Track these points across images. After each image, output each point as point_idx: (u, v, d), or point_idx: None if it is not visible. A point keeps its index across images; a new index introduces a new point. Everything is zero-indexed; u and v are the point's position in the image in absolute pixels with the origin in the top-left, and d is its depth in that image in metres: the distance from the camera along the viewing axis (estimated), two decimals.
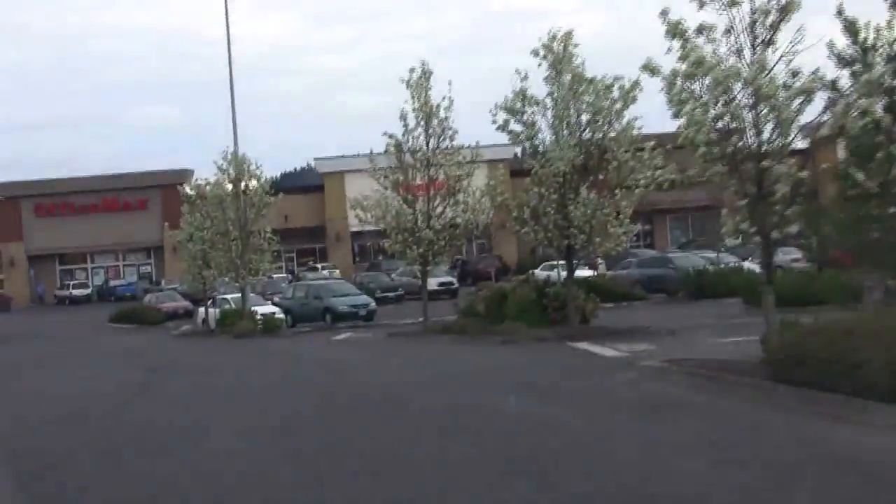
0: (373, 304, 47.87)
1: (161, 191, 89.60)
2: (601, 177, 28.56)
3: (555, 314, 29.89)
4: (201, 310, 49.20)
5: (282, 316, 45.74)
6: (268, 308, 47.20)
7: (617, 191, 28.37)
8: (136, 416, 18.47)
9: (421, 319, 35.71)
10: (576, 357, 23.82)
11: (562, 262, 31.01)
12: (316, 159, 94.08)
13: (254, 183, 42.87)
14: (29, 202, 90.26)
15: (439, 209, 34.08)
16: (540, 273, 64.72)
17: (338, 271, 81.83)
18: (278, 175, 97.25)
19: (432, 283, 64.78)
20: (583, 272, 59.15)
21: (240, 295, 46.35)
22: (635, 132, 27.84)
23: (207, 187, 43.85)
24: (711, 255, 51.81)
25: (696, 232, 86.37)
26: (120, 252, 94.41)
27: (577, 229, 28.53)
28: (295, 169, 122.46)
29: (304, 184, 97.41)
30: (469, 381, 20.56)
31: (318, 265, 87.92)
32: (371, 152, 35.27)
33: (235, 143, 43.39)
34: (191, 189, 44.50)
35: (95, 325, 59.91)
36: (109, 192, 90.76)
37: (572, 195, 28.52)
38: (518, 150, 40.65)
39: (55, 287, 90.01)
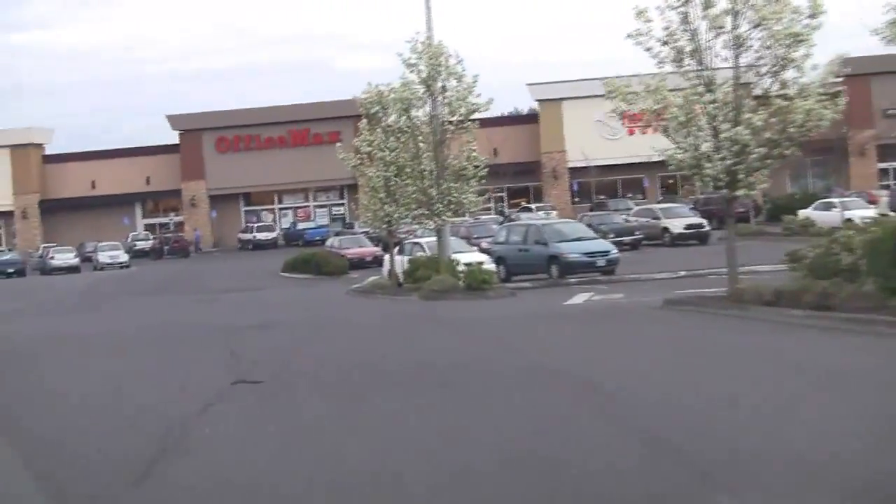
0: (615, 252, 35.33)
1: (355, 122, 78.68)
2: None
3: None
4: (387, 257, 37.67)
5: (492, 266, 33.70)
6: (474, 255, 35.22)
7: None
8: None
9: (681, 274, 27.58)
10: None
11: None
12: (529, 84, 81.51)
13: (453, 84, 30.64)
14: (210, 136, 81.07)
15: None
16: (816, 213, 51.29)
17: (555, 213, 69.71)
18: None
19: (677, 225, 52.18)
20: (860, 211, 45.63)
21: (436, 239, 34.69)
22: None
23: (391, 94, 31.93)
24: None
25: None
26: (310, 191, 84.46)
27: None
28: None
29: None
30: None
31: (533, 206, 75.95)
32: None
33: (429, 26, 31.15)
34: (367, 95, 32.69)
35: (267, 274, 49.55)
36: (298, 123, 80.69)
37: None
38: None
39: (238, 230, 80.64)
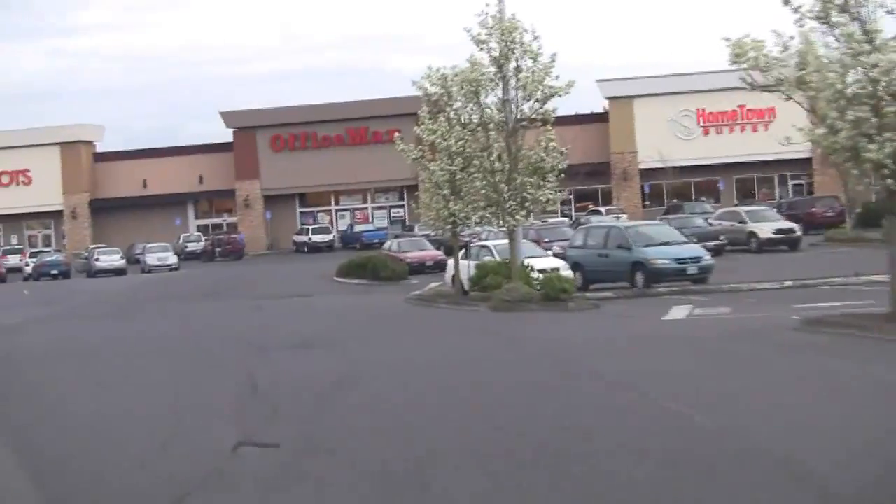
0: (707, 258, 31.29)
1: (415, 120, 75.14)
2: None
3: None
4: (450, 262, 33.89)
5: (569, 273, 29.80)
6: (548, 261, 31.34)
7: None
8: None
9: (787, 284, 25.61)
10: None
11: None
12: (599, 81, 77.27)
13: (528, 64, 26.74)
14: (265, 134, 77.77)
15: None
16: None
17: (625, 216, 65.49)
18: None
19: (765, 230, 47.83)
20: None
21: (506, 242, 30.92)
22: None
23: (457, 77, 28.12)
24: None
25: None
26: (368, 192, 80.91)
27: None
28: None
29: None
30: None
31: (602, 209, 71.76)
32: None
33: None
34: (429, 80, 28.92)
35: (320, 278, 46.02)
36: (356, 121, 77.13)
37: None
38: None
39: (293, 232, 77.21)
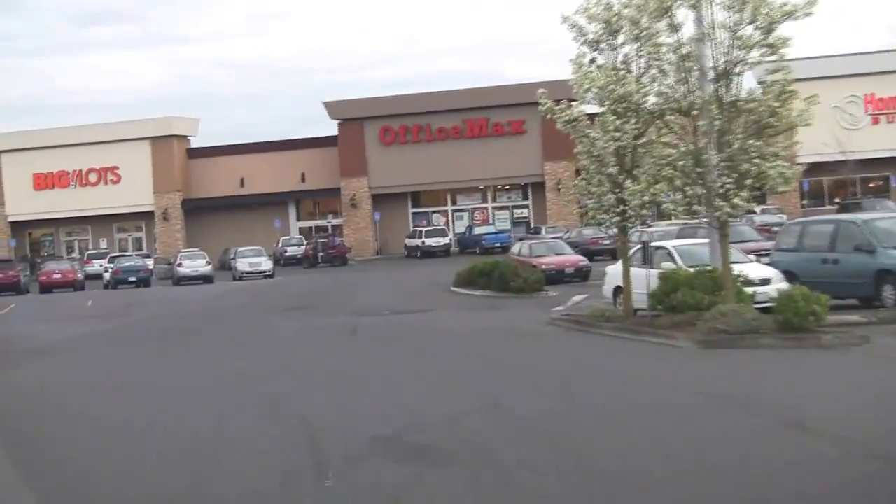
0: None
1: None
2: None
3: None
4: (610, 270, 25.00)
5: (783, 285, 20.76)
6: (755, 268, 22.28)
7: None
8: None
9: None
10: None
11: None
12: None
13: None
14: (374, 126, 69.61)
15: None
16: None
17: (785, 216, 55.80)
18: None
19: None
20: None
21: (692, 243, 22.07)
22: None
23: (626, 5, 19.28)
24: None
25: None
26: (489, 190, 72.23)
27: None
28: None
29: None
30: None
31: (757, 208, 61.84)
32: None
33: None
34: (588, 15, 20.15)
35: (435, 288, 37.62)
36: (475, 111, 68.52)
37: None
38: None
39: (404, 235, 68.90)
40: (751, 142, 17.32)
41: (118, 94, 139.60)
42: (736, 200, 17.29)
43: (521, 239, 50.82)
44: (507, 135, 69.01)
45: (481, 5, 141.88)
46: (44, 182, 72.79)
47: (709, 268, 19.35)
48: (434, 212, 72.41)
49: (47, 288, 53.34)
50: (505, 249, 58.81)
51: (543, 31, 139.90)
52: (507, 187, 72.22)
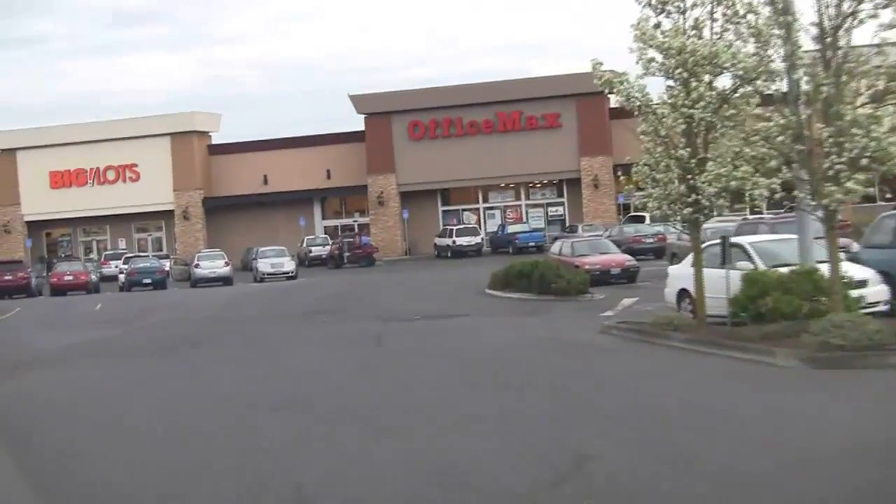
0: None
1: (577, 102, 63.40)
2: None
3: None
4: (673, 271, 21.80)
5: (882, 288, 17.62)
6: (852, 268, 19.01)
7: None
8: None
9: None
10: None
11: None
12: None
13: None
14: (402, 120, 66.48)
15: None
16: None
17: None
18: None
19: None
20: None
21: (772, 239, 18.88)
22: None
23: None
24: None
25: None
26: (522, 187, 68.94)
27: None
28: None
29: None
30: None
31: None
32: None
33: None
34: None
35: (468, 291, 34.51)
36: (508, 104, 65.26)
37: None
38: None
39: (434, 234, 65.73)
40: (865, 112, 14.02)
41: (149, 95, 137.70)
42: (850, 184, 14.01)
43: (557, 238, 47.51)
44: (542, 129, 65.70)
45: (514, 5, 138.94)
46: (60, 180, 70.13)
47: (811, 268, 16.07)
48: (465, 210, 69.23)
49: (59, 290, 50.61)
50: (539, 249, 55.71)
51: (571, 32, 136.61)
52: (541, 184, 68.89)
